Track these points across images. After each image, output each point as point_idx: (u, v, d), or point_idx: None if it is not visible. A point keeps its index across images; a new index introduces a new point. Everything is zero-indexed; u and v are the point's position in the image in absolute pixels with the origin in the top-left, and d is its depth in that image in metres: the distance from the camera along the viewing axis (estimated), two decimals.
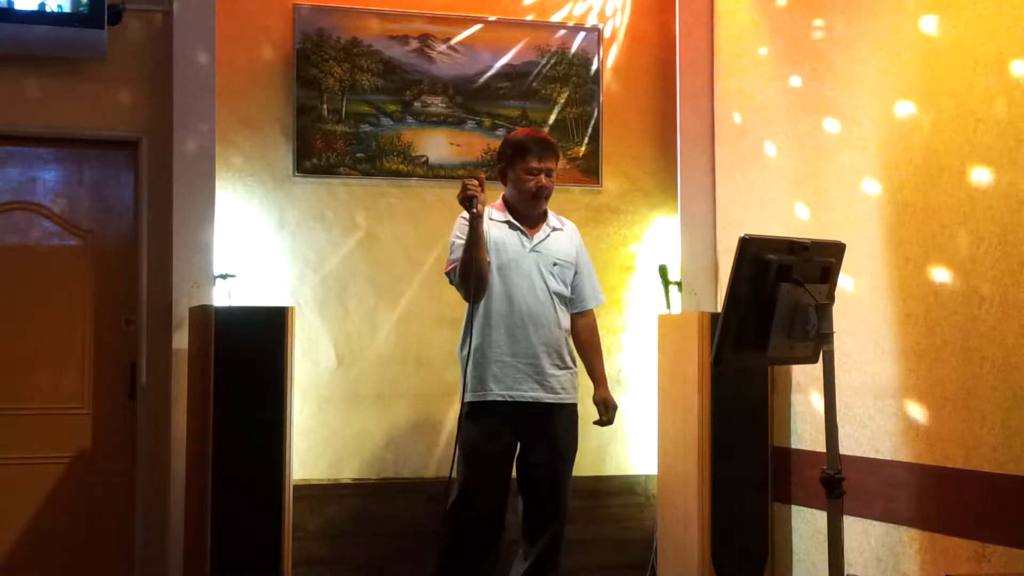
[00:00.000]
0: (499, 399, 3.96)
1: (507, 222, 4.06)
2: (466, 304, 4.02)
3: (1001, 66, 3.53)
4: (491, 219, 4.02)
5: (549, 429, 4.01)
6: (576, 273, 4.15)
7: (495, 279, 3.98)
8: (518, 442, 4.04)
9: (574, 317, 4.17)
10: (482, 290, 3.93)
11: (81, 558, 4.57)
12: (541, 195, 4.05)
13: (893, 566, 3.94)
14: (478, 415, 3.98)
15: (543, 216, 4.14)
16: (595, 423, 4.19)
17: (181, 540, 4.42)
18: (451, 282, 4.05)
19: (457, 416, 4.09)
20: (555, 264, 4.06)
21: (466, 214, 3.90)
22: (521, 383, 3.97)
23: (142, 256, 4.60)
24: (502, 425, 3.97)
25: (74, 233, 4.65)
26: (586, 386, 4.22)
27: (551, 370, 4.00)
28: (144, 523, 4.56)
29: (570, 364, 4.08)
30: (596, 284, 4.25)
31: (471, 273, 3.87)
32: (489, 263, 3.96)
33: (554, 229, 4.13)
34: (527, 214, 4.09)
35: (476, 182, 3.83)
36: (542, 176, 4.03)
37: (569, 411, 4.08)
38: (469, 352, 3.98)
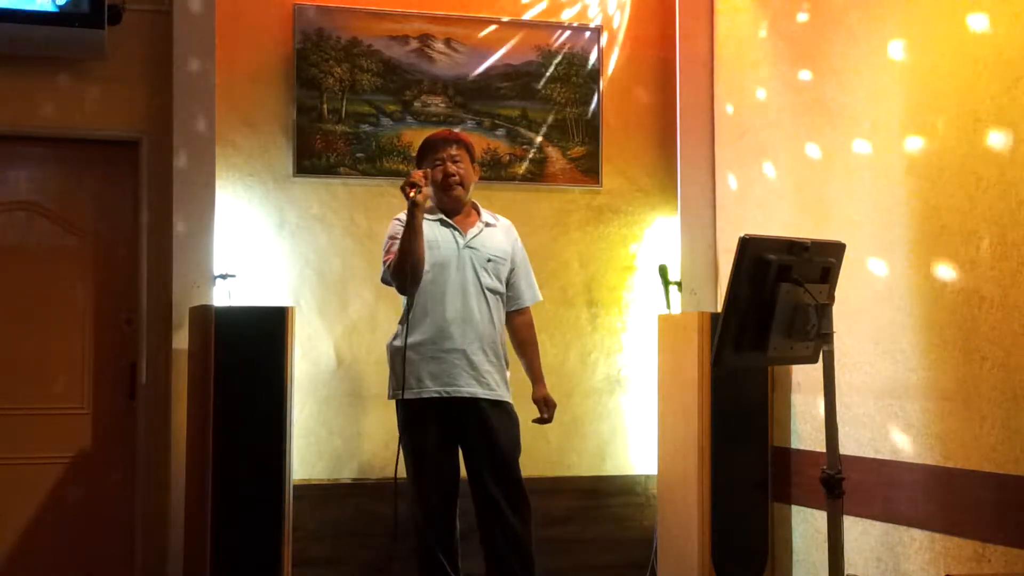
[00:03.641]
0: (435, 395, 3.96)
1: (439, 220, 4.07)
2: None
3: (1001, 66, 3.53)
4: (425, 218, 3.98)
5: (487, 426, 3.99)
6: (512, 270, 4.16)
7: (428, 276, 3.97)
8: (457, 438, 4.02)
9: (511, 315, 4.18)
10: (416, 280, 3.92)
11: (81, 558, 4.57)
12: (451, 182, 4.06)
13: (893, 566, 3.94)
14: (414, 413, 3.98)
15: (475, 213, 4.16)
16: (534, 421, 4.15)
17: (181, 540, 4.42)
18: (383, 278, 4.06)
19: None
20: (489, 260, 4.07)
21: (400, 215, 3.97)
22: (457, 379, 3.96)
23: (142, 256, 4.60)
24: (439, 421, 3.96)
25: (74, 233, 4.65)
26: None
27: (486, 366, 4.00)
28: (144, 523, 4.56)
29: (503, 361, 4.08)
30: (533, 282, 4.26)
31: (407, 262, 3.87)
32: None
33: (487, 225, 4.14)
34: (451, 208, 4.10)
35: (420, 174, 3.92)
36: (448, 163, 4.05)
37: (504, 408, 4.04)
38: (404, 347, 3.96)
